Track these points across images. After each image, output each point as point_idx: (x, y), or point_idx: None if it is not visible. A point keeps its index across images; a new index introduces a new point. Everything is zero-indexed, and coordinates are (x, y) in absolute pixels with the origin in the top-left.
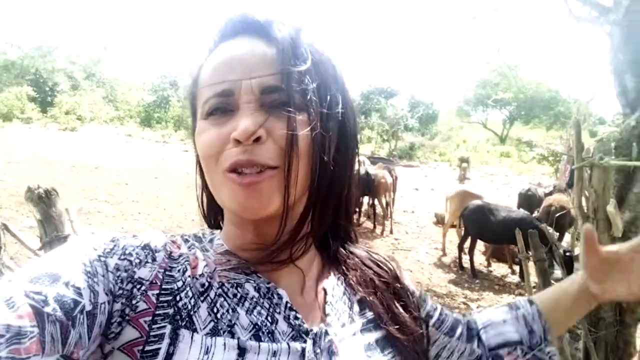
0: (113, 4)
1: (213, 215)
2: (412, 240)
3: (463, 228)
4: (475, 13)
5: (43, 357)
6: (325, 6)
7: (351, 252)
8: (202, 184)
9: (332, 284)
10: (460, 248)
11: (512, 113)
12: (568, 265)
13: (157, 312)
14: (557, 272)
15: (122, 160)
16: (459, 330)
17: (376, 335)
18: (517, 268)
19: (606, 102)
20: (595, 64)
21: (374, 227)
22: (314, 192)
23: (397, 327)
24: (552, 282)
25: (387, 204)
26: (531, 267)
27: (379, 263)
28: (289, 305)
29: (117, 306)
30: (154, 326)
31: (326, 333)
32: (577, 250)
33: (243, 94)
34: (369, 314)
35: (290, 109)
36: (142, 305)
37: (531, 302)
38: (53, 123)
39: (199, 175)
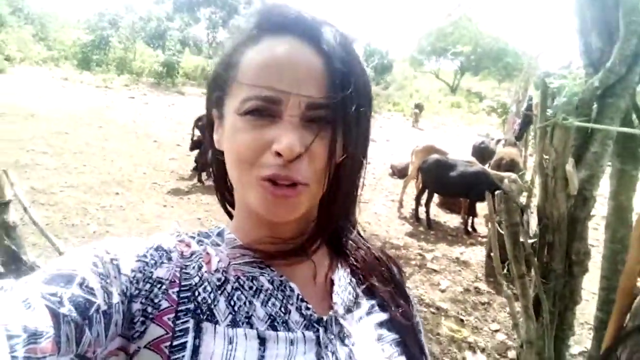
0: None
1: (223, 183)
2: (369, 192)
3: (421, 181)
4: None
5: (58, 356)
6: None
7: (357, 245)
8: (216, 163)
9: (340, 274)
10: (418, 200)
11: (464, 64)
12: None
13: (179, 309)
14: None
15: (60, 107)
16: None
17: (382, 317)
18: (469, 220)
19: (552, 56)
20: (547, 18)
21: None
22: (333, 198)
23: (401, 311)
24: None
25: None
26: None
27: (383, 258)
28: (300, 297)
29: (137, 306)
30: (177, 322)
31: (335, 319)
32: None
33: (290, 107)
34: (374, 300)
35: (334, 133)
36: (164, 304)
37: None
38: None
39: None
